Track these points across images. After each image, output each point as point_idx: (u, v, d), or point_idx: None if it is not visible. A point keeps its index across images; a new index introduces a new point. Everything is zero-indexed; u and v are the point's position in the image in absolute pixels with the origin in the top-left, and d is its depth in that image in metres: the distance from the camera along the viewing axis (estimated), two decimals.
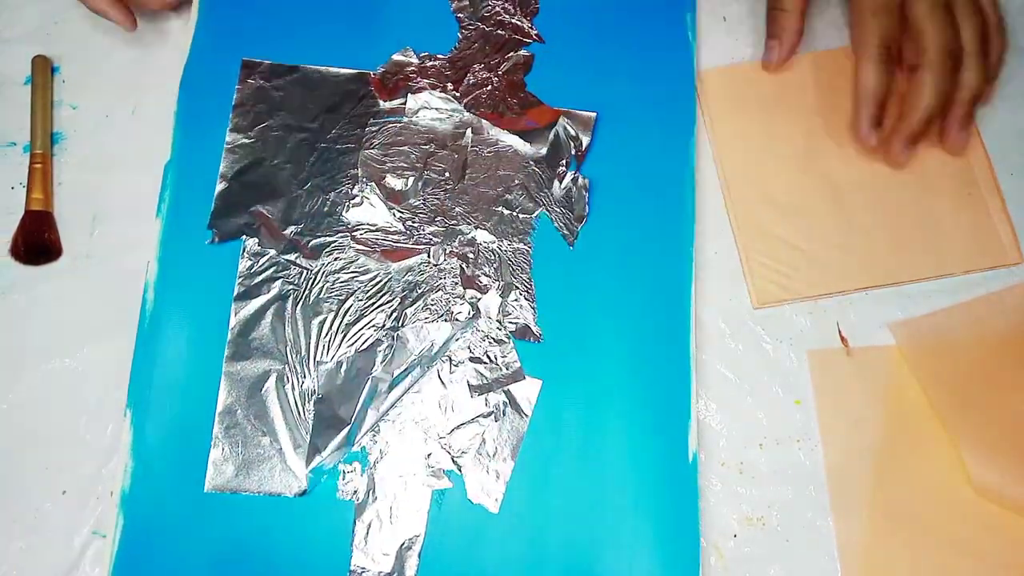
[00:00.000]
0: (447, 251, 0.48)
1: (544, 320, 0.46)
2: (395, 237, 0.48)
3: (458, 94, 0.50)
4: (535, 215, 0.48)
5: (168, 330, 0.46)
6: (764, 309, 0.48)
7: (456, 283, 0.47)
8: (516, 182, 0.49)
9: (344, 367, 0.45)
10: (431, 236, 0.48)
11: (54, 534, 0.44)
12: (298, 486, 0.44)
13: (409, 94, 0.50)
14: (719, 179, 0.51)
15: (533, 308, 0.47)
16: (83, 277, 0.48)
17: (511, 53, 0.52)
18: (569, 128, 0.50)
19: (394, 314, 0.46)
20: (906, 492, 0.45)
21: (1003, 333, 0.47)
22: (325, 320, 0.46)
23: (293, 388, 0.45)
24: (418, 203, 0.48)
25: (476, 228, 0.48)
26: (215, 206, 0.48)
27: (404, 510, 0.43)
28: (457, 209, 0.48)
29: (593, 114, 0.50)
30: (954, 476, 0.45)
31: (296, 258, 0.47)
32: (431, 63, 0.51)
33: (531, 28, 0.52)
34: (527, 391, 0.45)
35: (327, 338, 0.46)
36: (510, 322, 0.46)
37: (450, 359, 0.46)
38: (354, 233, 0.48)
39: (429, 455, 0.44)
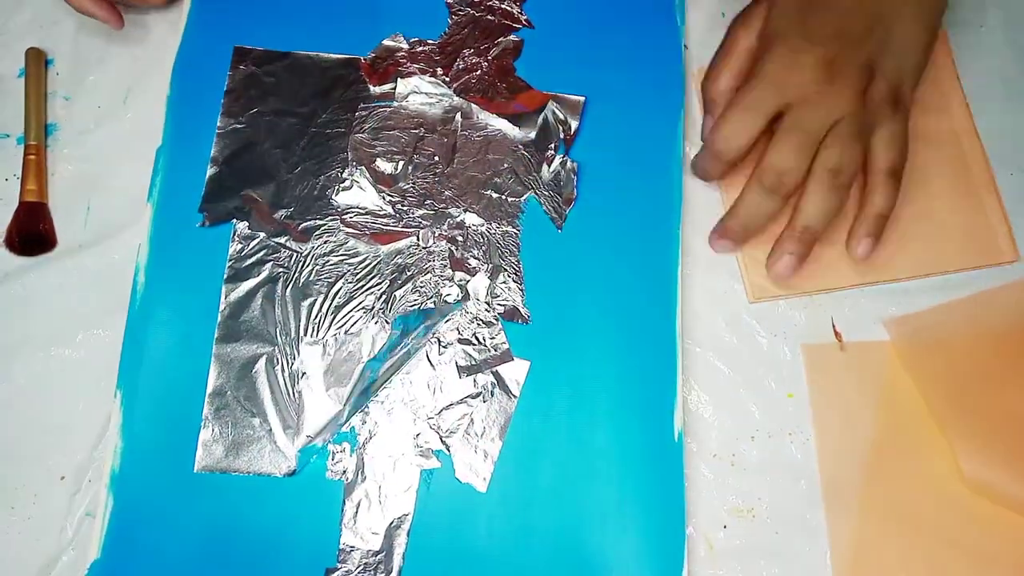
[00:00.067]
0: (436, 234, 0.48)
1: (532, 302, 0.47)
2: (384, 220, 0.48)
3: (448, 79, 0.51)
4: (524, 198, 0.49)
5: (158, 312, 0.46)
6: (759, 303, 0.48)
7: (445, 265, 0.47)
8: (505, 166, 0.49)
9: (334, 348, 0.46)
10: (420, 219, 0.48)
11: (51, 519, 0.44)
12: (287, 466, 0.44)
13: (399, 79, 0.51)
14: None
15: (521, 290, 0.47)
16: (77, 267, 0.49)
17: (500, 38, 0.52)
18: (558, 112, 0.50)
19: (383, 296, 0.47)
20: (898, 487, 0.45)
21: (997, 330, 0.47)
22: (315, 302, 0.46)
23: (283, 370, 0.45)
24: (408, 186, 0.49)
25: (465, 211, 0.48)
26: (206, 190, 0.48)
27: (393, 490, 0.44)
28: (446, 192, 0.49)
29: (581, 98, 0.50)
30: (946, 471, 0.45)
31: (286, 241, 0.47)
32: (421, 48, 0.52)
33: (520, 14, 0.52)
34: (515, 372, 0.45)
35: (317, 320, 0.46)
36: (498, 304, 0.47)
37: (439, 340, 0.46)
38: (344, 216, 0.48)
39: (418, 435, 0.45)
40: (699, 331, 0.48)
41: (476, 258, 0.47)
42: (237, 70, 0.51)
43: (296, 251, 0.47)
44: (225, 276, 0.47)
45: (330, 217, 0.48)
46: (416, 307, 0.46)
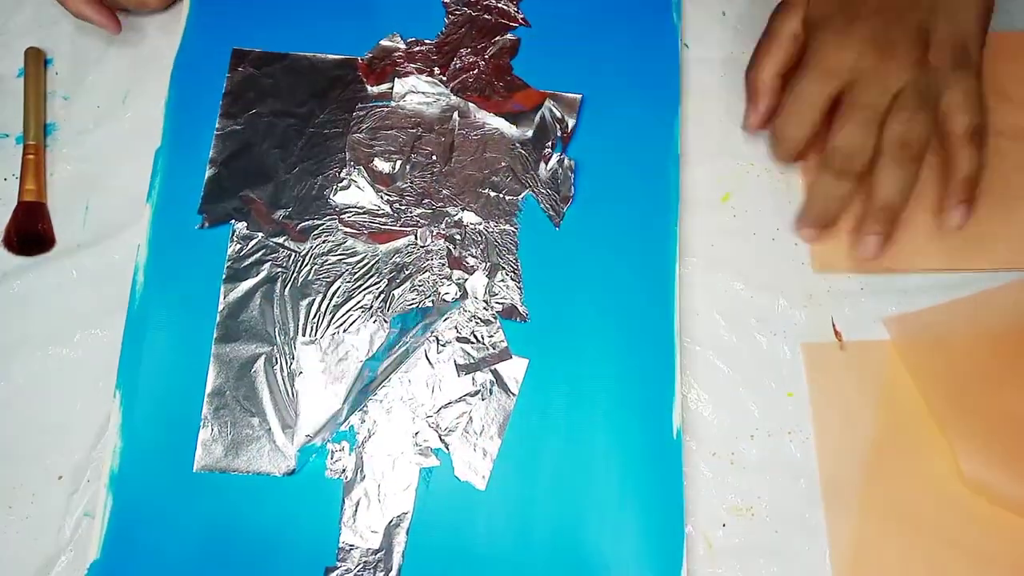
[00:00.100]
0: (434, 233, 0.48)
1: (530, 300, 0.47)
2: (382, 219, 0.48)
3: (445, 78, 0.51)
4: (521, 197, 0.49)
5: (158, 312, 0.46)
6: (757, 300, 0.48)
7: (443, 264, 0.47)
8: (502, 164, 0.49)
9: (332, 347, 0.46)
10: (418, 218, 0.48)
11: (49, 519, 0.44)
12: (286, 465, 0.44)
13: (396, 79, 0.51)
14: None
15: (519, 288, 0.47)
16: (76, 266, 0.48)
17: (497, 37, 0.52)
18: (555, 110, 0.50)
19: (382, 295, 0.47)
20: (898, 486, 0.45)
21: (997, 330, 0.47)
22: (313, 302, 0.46)
23: (282, 369, 0.45)
24: (405, 186, 0.49)
25: (463, 210, 0.48)
26: (205, 191, 0.48)
27: (392, 488, 0.44)
28: (444, 191, 0.49)
29: (579, 96, 0.50)
30: (946, 471, 0.45)
31: (284, 241, 0.47)
32: (418, 48, 0.52)
33: (517, 12, 0.53)
34: (514, 370, 0.45)
35: (315, 319, 0.46)
36: (497, 302, 0.47)
37: (437, 339, 0.46)
38: (342, 216, 0.48)
39: (417, 434, 0.44)
40: (698, 329, 0.48)
41: (474, 256, 0.47)
42: (235, 72, 0.51)
43: (294, 251, 0.47)
44: (224, 276, 0.47)
45: (328, 217, 0.48)
46: (414, 306, 0.46)
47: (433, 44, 0.52)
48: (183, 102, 0.50)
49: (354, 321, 0.46)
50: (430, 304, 0.46)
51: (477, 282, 0.47)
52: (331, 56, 0.51)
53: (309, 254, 0.47)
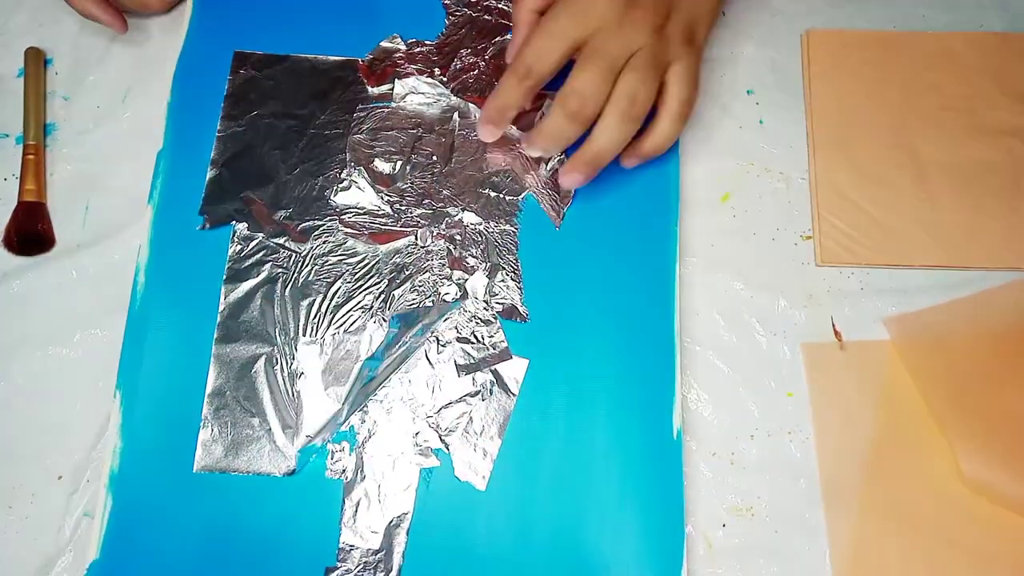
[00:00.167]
0: (434, 233, 0.48)
1: (530, 300, 0.47)
2: (383, 220, 0.48)
3: (445, 79, 0.51)
4: (521, 197, 0.49)
5: (158, 313, 0.46)
6: (757, 300, 0.48)
7: (443, 264, 0.47)
8: (503, 165, 0.49)
9: (332, 348, 0.46)
10: (418, 219, 0.48)
11: (48, 519, 0.44)
12: (287, 466, 0.44)
13: (397, 80, 0.51)
14: (807, 135, 0.51)
15: (520, 288, 0.47)
16: (76, 267, 0.49)
17: (497, 38, 0.52)
18: None
19: (382, 296, 0.47)
20: (898, 486, 0.45)
21: (997, 330, 0.47)
22: (314, 302, 0.46)
23: (282, 369, 0.45)
24: (406, 186, 0.49)
25: (463, 210, 0.48)
26: (206, 192, 0.48)
27: (392, 488, 0.44)
28: (444, 192, 0.49)
29: None
30: (946, 471, 0.45)
31: (285, 241, 0.48)
32: (418, 49, 0.52)
33: None
34: (514, 370, 0.45)
35: (316, 320, 0.46)
36: (497, 303, 0.47)
37: (437, 339, 0.46)
38: (342, 216, 0.48)
39: (417, 434, 0.44)
40: (698, 330, 0.48)
41: (474, 257, 0.47)
42: (237, 75, 0.51)
43: (295, 251, 0.47)
44: (224, 277, 0.47)
45: (329, 217, 0.48)
46: (415, 306, 0.46)
47: (433, 45, 0.52)
48: (185, 104, 0.50)
49: (354, 322, 0.46)
50: (430, 304, 0.46)
51: (477, 282, 0.47)
52: (332, 58, 0.51)
53: (310, 255, 0.47)
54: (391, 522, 0.43)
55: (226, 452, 0.44)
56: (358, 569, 0.42)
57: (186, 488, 0.43)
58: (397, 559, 0.42)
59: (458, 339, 0.46)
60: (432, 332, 0.46)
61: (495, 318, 0.46)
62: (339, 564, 0.42)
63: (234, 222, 0.48)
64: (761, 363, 0.47)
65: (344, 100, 0.51)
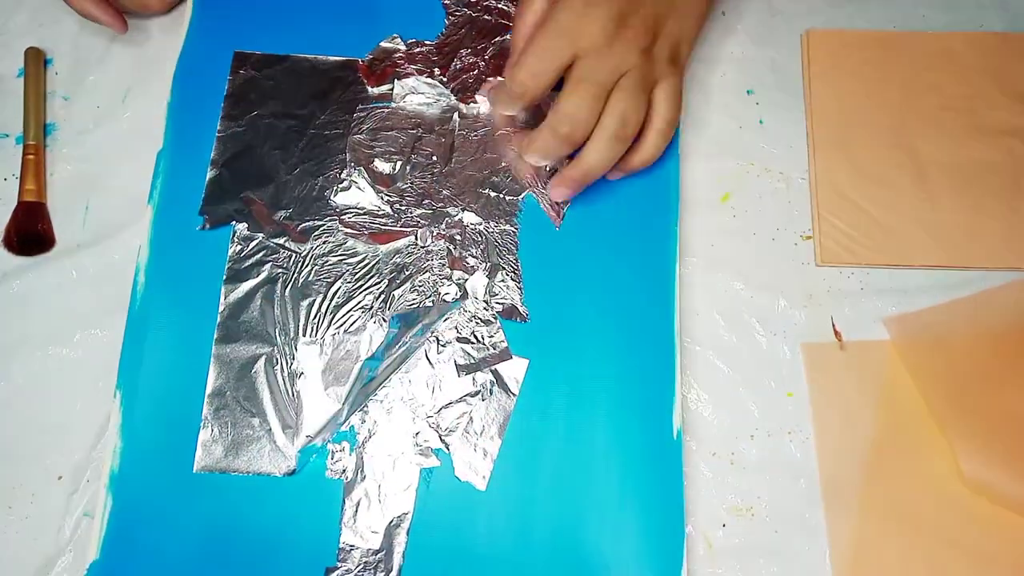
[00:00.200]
0: (434, 233, 0.48)
1: (530, 300, 0.47)
2: (383, 220, 0.48)
3: (445, 79, 0.51)
4: (521, 197, 0.49)
5: (158, 313, 0.46)
6: (757, 300, 0.48)
7: (443, 264, 0.47)
8: (502, 164, 0.49)
9: (333, 348, 0.46)
10: (418, 219, 0.48)
11: (48, 519, 0.44)
12: (287, 466, 0.44)
13: (396, 80, 0.51)
14: (807, 135, 0.51)
15: (520, 288, 0.47)
16: (76, 267, 0.49)
17: (497, 38, 0.52)
18: None
19: (382, 296, 0.47)
20: (898, 486, 0.45)
21: (997, 330, 0.47)
22: (314, 302, 0.46)
23: (282, 369, 0.45)
24: (406, 186, 0.49)
25: (463, 210, 0.48)
26: (206, 192, 0.48)
27: (392, 488, 0.44)
28: (444, 192, 0.49)
29: None
30: (946, 471, 0.45)
31: (285, 242, 0.48)
32: (418, 49, 0.52)
33: None
34: (514, 370, 0.45)
35: (316, 320, 0.46)
36: (497, 302, 0.47)
37: (438, 339, 0.46)
38: (342, 217, 0.48)
39: (417, 434, 0.44)
40: (698, 330, 0.48)
41: (474, 257, 0.47)
42: (237, 75, 0.51)
43: (295, 252, 0.47)
44: (224, 277, 0.47)
45: (329, 217, 0.48)
46: (415, 306, 0.46)
47: (433, 45, 0.52)
48: (185, 104, 0.50)
49: (354, 322, 0.46)
50: (430, 304, 0.46)
51: (477, 282, 0.47)
52: (332, 58, 0.51)
53: (310, 255, 0.47)
54: (391, 522, 0.43)
55: (226, 452, 0.44)
56: (358, 569, 0.42)
57: (186, 488, 0.43)
58: (397, 559, 0.42)
59: (458, 339, 0.46)
60: (432, 332, 0.46)
61: (495, 318, 0.46)
62: (339, 564, 0.42)
63: (234, 222, 0.48)
64: (761, 363, 0.47)
65: (344, 100, 0.51)
